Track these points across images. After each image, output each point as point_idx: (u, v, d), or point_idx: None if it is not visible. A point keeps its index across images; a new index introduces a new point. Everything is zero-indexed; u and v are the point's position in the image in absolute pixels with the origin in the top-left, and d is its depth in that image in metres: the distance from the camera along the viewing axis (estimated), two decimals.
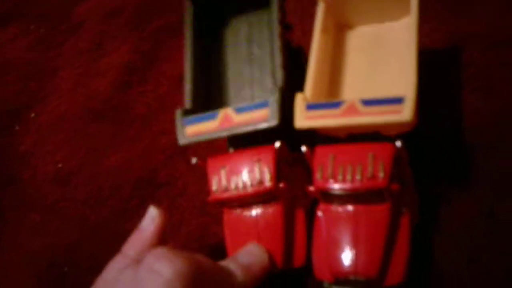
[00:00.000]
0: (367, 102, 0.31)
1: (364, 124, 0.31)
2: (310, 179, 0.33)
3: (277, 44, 0.36)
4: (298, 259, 0.35)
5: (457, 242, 0.34)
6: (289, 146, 0.35)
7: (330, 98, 0.36)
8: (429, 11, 0.42)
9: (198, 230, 0.42)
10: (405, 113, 0.29)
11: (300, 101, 0.33)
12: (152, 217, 0.35)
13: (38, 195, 0.50)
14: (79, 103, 0.54)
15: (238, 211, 0.35)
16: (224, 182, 0.34)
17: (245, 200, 0.34)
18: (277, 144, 0.33)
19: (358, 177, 0.31)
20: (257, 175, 0.33)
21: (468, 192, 0.35)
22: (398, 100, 0.30)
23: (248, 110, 0.33)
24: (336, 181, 0.31)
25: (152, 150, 0.48)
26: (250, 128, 0.33)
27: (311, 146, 0.33)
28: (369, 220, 0.31)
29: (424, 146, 0.37)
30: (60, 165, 0.51)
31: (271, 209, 0.34)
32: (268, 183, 0.33)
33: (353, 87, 0.37)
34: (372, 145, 0.32)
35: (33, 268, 0.46)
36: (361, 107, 0.31)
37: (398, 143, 0.31)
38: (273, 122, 0.32)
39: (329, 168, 0.32)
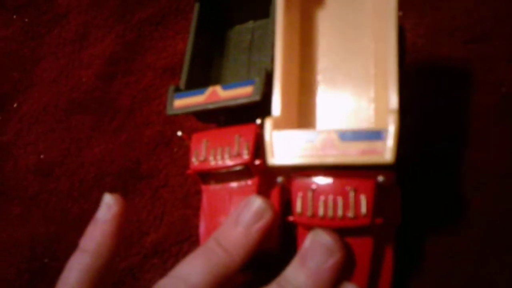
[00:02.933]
0: (345, 137, 0.28)
1: (342, 164, 0.28)
2: None
3: (270, 40, 0.35)
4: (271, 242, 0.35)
5: (434, 234, 0.34)
6: None
7: (300, 98, 0.34)
8: (412, 5, 0.42)
9: (180, 222, 0.42)
10: (386, 154, 0.27)
11: (270, 131, 0.30)
12: (108, 205, 0.33)
13: (19, 186, 0.50)
14: (62, 94, 0.54)
15: (215, 186, 0.36)
16: (203, 154, 0.35)
17: (222, 174, 0.35)
18: (258, 121, 0.34)
19: (339, 213, 0.29)
20: (236, 148, 0.34)
21: (446, 185, 0.35)
22: (377, 135, 0.27)
23: (234, 87, 0.35)
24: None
25: (136, 141, 0.48)
26: (233, 103, 0.34)
27: None
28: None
29: (404, 139, 0.37)
30: (42, 156, 0.51)
31: (246, 185, 0.35)
32: (245, 156, 0.34)
33: (325, 72, 0.34)
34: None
35: (13, 259, 0.46)
36: (338, 142, 0.28)
37: (380, 178, 0.29)
38: (255, 97, 0.33)
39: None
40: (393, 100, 0.28)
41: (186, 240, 0.42)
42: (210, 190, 0.36)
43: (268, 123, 0.30)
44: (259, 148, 0.35)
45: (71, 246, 0.32)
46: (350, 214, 0.29)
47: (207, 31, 0.41)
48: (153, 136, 0.48)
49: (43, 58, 0.58)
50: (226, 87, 0.35)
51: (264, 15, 0.40)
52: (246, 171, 0.35)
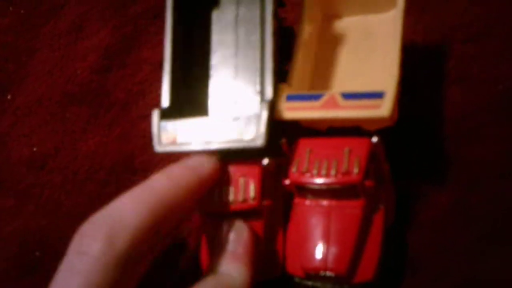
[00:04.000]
0: (347, 96, 0.30)
1: (342, 118, 0.30)
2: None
3: (269, 48, 0.33)
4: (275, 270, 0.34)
5: (430, 233, 0.34)
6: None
7: (313, 90, 0.36)
8: (412, 3, 0.42)
9: None
10: (383, 108, 0.29)
11: (282, 92, 0.32)
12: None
13: (12, 179, 0.50)
14: (57, 86, 0.53)
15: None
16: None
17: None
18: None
19: (332, 172, 0.31)
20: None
21: (443, 184, 0.35)
22: (378, 95, 0.30)
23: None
24: (311, 175, 0.31)
25: (131, 135, 0.48)
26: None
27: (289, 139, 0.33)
28: (342, 216, 0.31)
29: (403, 139, 0.37)
30: (35, 149, 0.50)
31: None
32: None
33: (337, 79, 0.37)
34: (349, 140, 0.31)
35: (5, 252, 0.45)
36: (341, 101, 0.31)
37: (375, 139, 0.31)
38: (258, 143, 0.31)
39: (305, 162, 0.31)
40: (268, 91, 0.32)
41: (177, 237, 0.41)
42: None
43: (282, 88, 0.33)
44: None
45: (63, 239, 0.31)
46: (343, 170, 0.30)
47: (186, 9, 0.38)
48: (148, 130, 0.47)
49: (38, 49, 0.57)
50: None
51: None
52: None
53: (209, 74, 0.38)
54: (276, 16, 0.34)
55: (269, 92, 0.32)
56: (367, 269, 0.31)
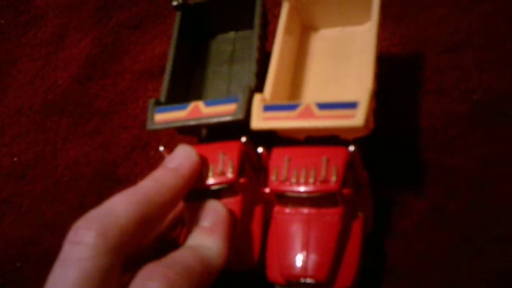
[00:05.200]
0: (323, 106, 0.31)
1: (318, 128, 0.31)
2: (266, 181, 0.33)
3: (254, 55, 0.37)
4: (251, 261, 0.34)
5: (409, 240, 0.35)
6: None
7: (291, 100, 0.37)
8: (388, 15, 0.43)
9: None
10: (357, 118, 0.30)
11: (258, 102, 0.33)
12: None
13: None
14: (38, 96, 0.53)
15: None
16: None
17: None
18: (243, 139, 0.34)
19: (311, 180, 0.31)
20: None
21: (420, 192, 0.36)
22: (352, 105, 0.30)
23: (217, 104, 0.34)
24: (290, 183, 0.32)
25: (112, 145, 0.48)
26: (215, 120, 0.34)
27: (268, 148, 0.34)
28: (321, 223, 0.32)
29: (381, 148, 0.38)
30: (15, 159, 0.50)
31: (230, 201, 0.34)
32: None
33: (315, 90, 0.37)
34: (327, 149, 0.32)
35: None
36: (316, 111, 0.31)
37: (352, 148, 0.31)
38: (239, 116, 0.33)
39: (284, 170, 0.32)
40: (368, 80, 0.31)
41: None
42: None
43: (258, 98, 0.33)
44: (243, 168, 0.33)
45: (45, 250, 0.32)
46: (321, 178, 0.31)
47: (188, 40, 0.41)
48: (129, 140, 0.48)
49: (19, 59, 0.57)
50: (208, 103, 0.34)
51: (246, 26, 0.41)
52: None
53: (205, 89, 0.41)
54: (260, 36, 0.38)
55: (251, 80, 0.35)
56: (346, 276, 0.31)
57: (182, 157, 0.33)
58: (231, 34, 0.43)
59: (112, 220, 0.28)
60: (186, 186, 0.32)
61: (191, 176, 0.32)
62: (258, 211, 0.35)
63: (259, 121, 0.32)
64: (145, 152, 0.46)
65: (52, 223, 0.46)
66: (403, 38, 0.42)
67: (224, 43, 0.43)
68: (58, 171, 0.48)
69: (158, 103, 0.36)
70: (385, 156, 0.37)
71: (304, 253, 0.31)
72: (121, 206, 0.29)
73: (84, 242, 0.26)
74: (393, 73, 0.40)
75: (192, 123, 0.34)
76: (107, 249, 0.27)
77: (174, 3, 0.40)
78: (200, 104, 0.34)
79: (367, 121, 0.30)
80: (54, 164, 0.49)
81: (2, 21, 0.59)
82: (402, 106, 0.39)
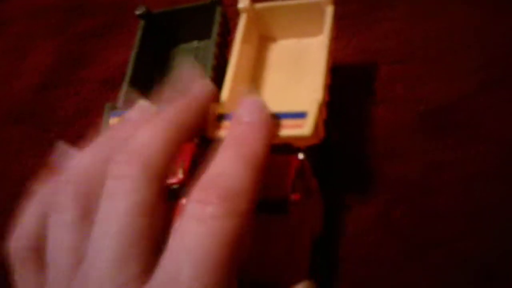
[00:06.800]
0: (274, 115, 0.31)
1: None
2: None
3: (210, 62, 0.38)
4: None
5: (356, 245, 0.36)
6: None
7: None
8: (343, 26, 0.44)
9: None
10: (306, 128, 0.31)
11: (212, 111, 0.33)
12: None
13: None
14: None
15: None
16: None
17: None
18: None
19: None
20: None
21: (367, 198, 0.37)
22: (301, 115, 0.31)
23: None
24: None
25: None
26: None
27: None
28: (270, 229, 0.32)
29: (331, 156, 0.39)
30: None
31: None
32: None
33: (269, 100, 0.37)
34: (276, 157, 0.33)
35: None
36: None
37: (301, 156, 0.33)
38: None
39: None
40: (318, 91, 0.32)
41: None
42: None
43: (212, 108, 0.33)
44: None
45: None
46: (270, 185, 0.31)
47: (150, 48, 0.41)
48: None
49: None
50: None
51: (209, 36, 0.41)
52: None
53: None
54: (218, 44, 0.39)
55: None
56: (295, 280, 0.32)
57: (200, 86, 0.33)
58: (194, 43, 0.43)
59: (148, 152, 0.28)
60: (207, 108, 0.32)
61: (208, 101, 0.32)
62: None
63: (213, 129, 0.33)
64: None
65: (1, 237, 0.45)
66: (356, 48, 0.43)
67: (187, 53, 0.43)
68: (9, 184, 0.47)
69: (113, 107, 0.37)
70: (335, 163, 0.39)
71: (254, 257, 0.32)
72: (149, 136, 0.29)
73: (128, 175, 0.27)
74: (346, 83, 0.41)
75: None
76: (151, 179, 0.27)
77: (138, 12, 0.41)
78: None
79: (316, 130, 0.31)
80: (6, 175, 0.48)
81: None
82: (353, 115, 0.40)
